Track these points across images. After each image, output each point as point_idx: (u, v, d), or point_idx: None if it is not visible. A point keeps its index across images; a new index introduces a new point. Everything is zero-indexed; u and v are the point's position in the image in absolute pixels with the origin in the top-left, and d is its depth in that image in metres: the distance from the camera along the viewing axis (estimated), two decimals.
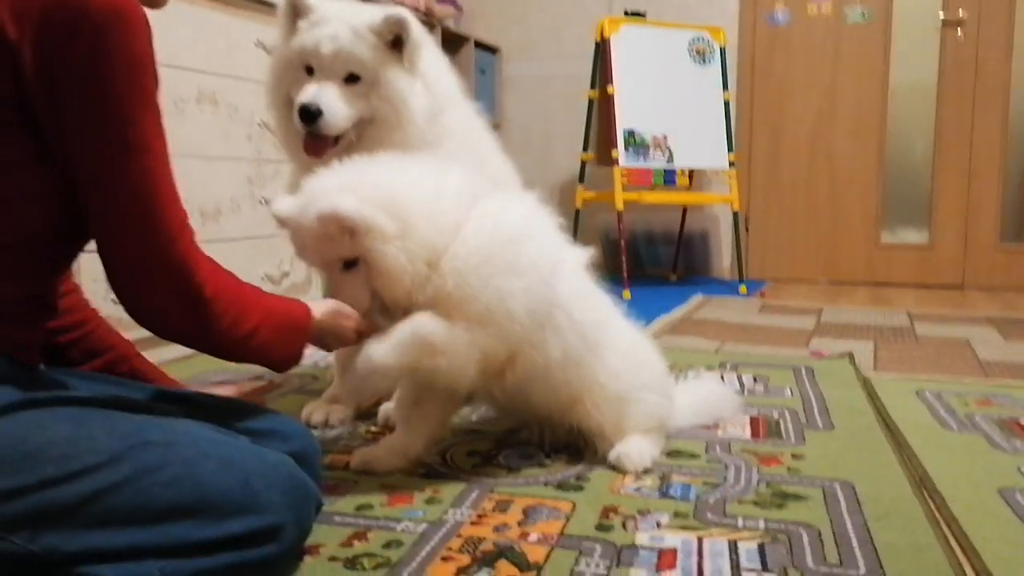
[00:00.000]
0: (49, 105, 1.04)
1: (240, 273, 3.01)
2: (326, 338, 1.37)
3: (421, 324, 1.36)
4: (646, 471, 1.57)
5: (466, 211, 1.42)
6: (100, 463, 1.00)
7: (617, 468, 1.57)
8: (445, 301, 1.37)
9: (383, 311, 1.42)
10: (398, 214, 1.35)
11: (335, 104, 1.67)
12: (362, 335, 1.40)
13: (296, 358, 1.29)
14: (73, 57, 1.02)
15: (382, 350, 1.33)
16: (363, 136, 1.73)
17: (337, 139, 1.71)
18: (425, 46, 1.75)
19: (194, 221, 2.94)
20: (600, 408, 1.59)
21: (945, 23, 4.55)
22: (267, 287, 2.85)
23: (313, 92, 1.67)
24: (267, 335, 1.21)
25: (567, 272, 1.53)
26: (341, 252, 1.37)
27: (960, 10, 4.52)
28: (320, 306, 1.33)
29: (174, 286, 1.11)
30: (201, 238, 2.58)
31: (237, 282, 1.21)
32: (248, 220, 2.79)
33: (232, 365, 2.43)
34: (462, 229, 1.39)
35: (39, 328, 1.19)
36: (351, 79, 1.69)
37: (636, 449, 1.58)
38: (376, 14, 1.70)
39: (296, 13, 1.72)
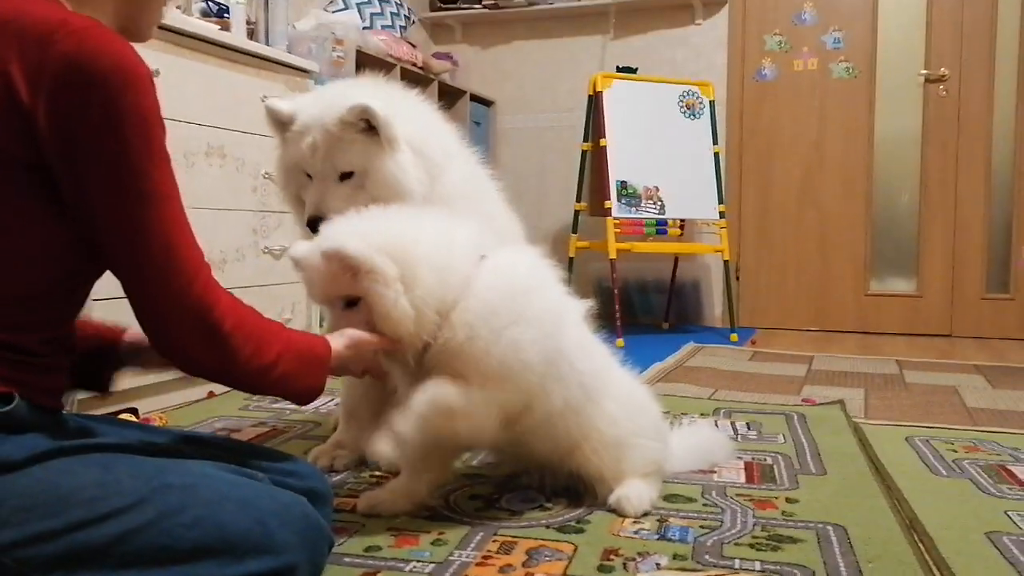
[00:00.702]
0: (66, 164, 1.08)
1: None
2: (348, 367, 1.42)
3: (437, 392, 1.41)
4: (645, 514, 1.61)
5: (474, 265, 1.48)
6: (126, 506, 1.04)
7: (617, 511, 1.61)
8: (457, 354, 1.43)
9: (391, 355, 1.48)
10: (402, 261, 1.41)
11: (339, 210, 1.68)
12: (375, 372, 1.46)
13: (318, 390, 1.32)
14: (88, 118, 1.06)
15: (405, 425, 1.39)
16: None
17: None
18: (402, 117, 1.75)
19: None
20: (599, 453, 1.63)
21: (928, 79, 4.69)
22: None
23: (315, 203, 1.73)
24: (288, 366, 1.25)
25: (569, 323, 1.59)
26: (343, 290, 1.42)
27: (942, 68, 4.66)
28: (338, 339, 1.38)
29: (194, 324, 1.15)
30: None
31: (256, 316, 1.25)
32: (252, 269, 2.85)
33: (235, 412, 2.47)
34: (472, 283, 1.45)
35: (61, 372, 1.23)
36: (345, 176, 1.74)
37: (635, 493, 1.62)
38: (341, 105, 1.71)
39: (281, 126, 1.78)
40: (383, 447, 1.41)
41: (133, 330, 1.42)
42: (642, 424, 1.70)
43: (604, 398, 1.65)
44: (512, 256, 1.57)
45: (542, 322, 1.49)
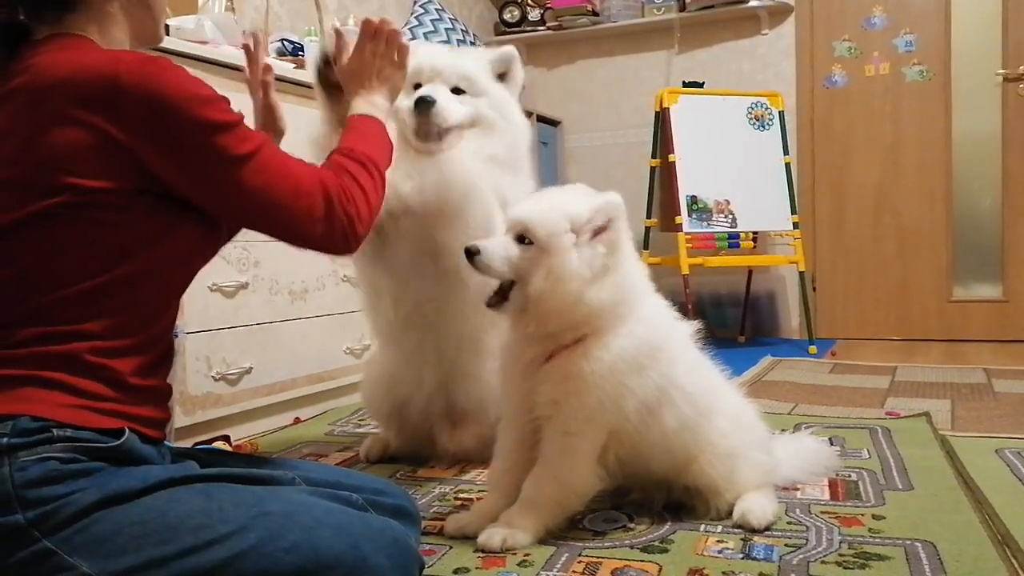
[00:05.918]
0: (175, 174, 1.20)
1: (324, 346, 3.14)
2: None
3: (546, 490, 1.57)
4: (768, 527, 1.63)
5: (635, 303, 1.58)
6: (230, 532, 1.11)
7: (742, 525, 1.63)
8: (572, 377, 1.52)
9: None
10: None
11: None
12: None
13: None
14: (144, 128, 1.16)
15: (523, 539, 1.54)
16: None
17: None
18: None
19: (284, 300, 3.07)
20: (713, 465, 1.67)
21: (1006, 78, 4.56)
22: (349, 360, 2.98)
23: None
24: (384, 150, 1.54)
25: (678, 350, 1.66)
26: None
27: (1021, 66, 4.53)
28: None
29: (328, 236, 1.32)
30: (290, 316, 2.77)
31: (351, 159, 1.46)
32: (332, 298, 2.93)
33: (321, 437, 2.55)
34: (624, 323, 1.55)
35: (165, 401, 1.30)
36: None
37: (758, 505, 1.65)
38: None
39: None
40: (495, 541, 1.52)
41: None
42: (751, 438, 1.75)
43: (715, 414, 1.70)
44: (658, 307, 1.67)
45: (656, 366, 1.57)
